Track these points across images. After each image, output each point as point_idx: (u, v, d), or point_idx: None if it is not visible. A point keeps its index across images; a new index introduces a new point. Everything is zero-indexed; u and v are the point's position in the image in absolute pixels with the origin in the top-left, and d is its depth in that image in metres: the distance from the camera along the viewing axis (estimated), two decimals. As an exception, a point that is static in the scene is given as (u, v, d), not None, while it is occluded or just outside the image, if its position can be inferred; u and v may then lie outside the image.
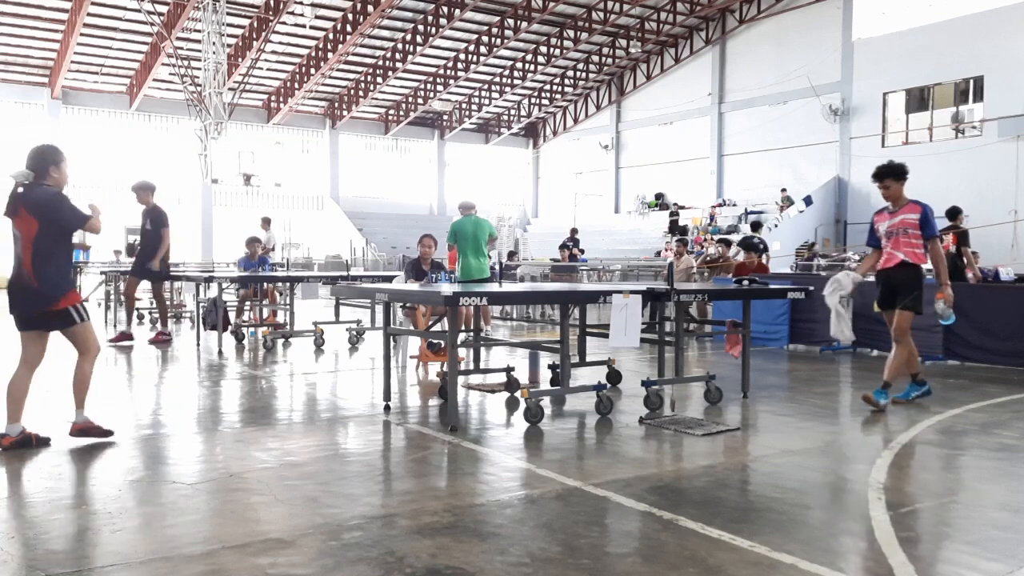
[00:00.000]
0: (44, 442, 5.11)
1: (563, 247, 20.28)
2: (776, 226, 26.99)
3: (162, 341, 10.78)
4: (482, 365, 8.35)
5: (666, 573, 3.16)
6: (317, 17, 27.98)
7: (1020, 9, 23.61)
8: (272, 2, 27.25)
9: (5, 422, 5.10)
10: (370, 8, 27.45)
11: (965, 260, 11.64)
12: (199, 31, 26.70)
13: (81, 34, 27.20)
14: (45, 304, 5.07)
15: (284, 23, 28.02)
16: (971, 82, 25.33)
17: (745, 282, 7.50)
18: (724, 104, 32.63)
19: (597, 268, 22.47)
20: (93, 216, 5.24)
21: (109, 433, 5.30)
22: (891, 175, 6.64)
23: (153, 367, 9.16)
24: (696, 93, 33.41)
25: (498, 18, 30.61)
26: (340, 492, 4.21)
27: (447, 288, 6.25)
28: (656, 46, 34.47)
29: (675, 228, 29.15)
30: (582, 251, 21.82)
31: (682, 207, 33.11)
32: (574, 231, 22.51)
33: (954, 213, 12.15)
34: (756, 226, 19.73)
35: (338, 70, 32.48)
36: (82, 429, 5.24)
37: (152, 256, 10.68)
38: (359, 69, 33.44)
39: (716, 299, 10.21)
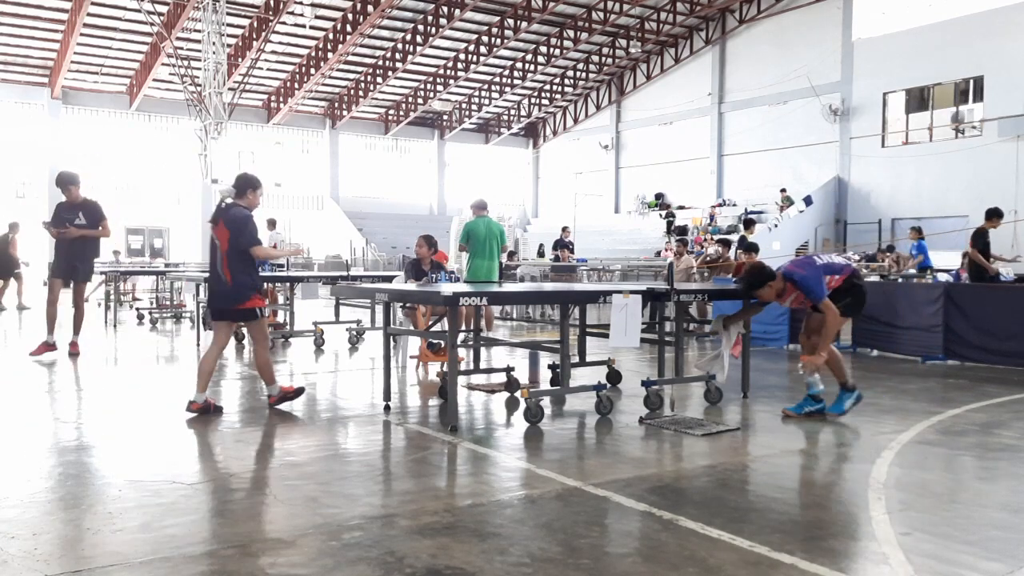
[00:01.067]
0: (219, 410, 6.21)
1: (562, 246, 20.23)
2: (776, 226, 26.99)
3: (75, 353, 9.46)
4: (482, 365, 8.34)
5: (666, 573, 3.16)
6: (317, 17, 27.98)
7: (1020, 9, 23.60)
8: (272, 2, 27.24)
9: (195, 391, 6.13)
10: (370, 8, 27.45)
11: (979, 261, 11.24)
12: (199, 31, 26.69)
13: (81, 34, 27.20)
14: (235, 303, 6.22)
15: (284, 23, 28.02)
16: (971, 82, 25.32)
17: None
18: (724, 104, 32.63)
19: (597, 268, 22.46)
20: (260, 243, 6.32)
21: (300, 391, 6.55)
22: (754, 287, 6.15)
23: (153, 367, 9.16)
24: (696, 93, 33.41)
25: (498, 18, 30.60)
26: (340, 492, 4.21)
27: (447, 288, 6.25)
28: (656, 46, 34.47)
29: (671, 229, 29.02)
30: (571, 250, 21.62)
31: (681, 207, 33.11)
32: (565, 230, 22.10)
33: (988, 215, 11.54)
34: (749, 223, 19.79)
35: (338, 70, 32.48)
36: (280, 398, 6.42)
37: (95, 254, 9.81)
38: (359, 69, 33.44)
39: (716, 299, 10.20)
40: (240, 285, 6.18)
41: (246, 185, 6.41)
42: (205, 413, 6.08)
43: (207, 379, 6.15)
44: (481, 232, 10.03)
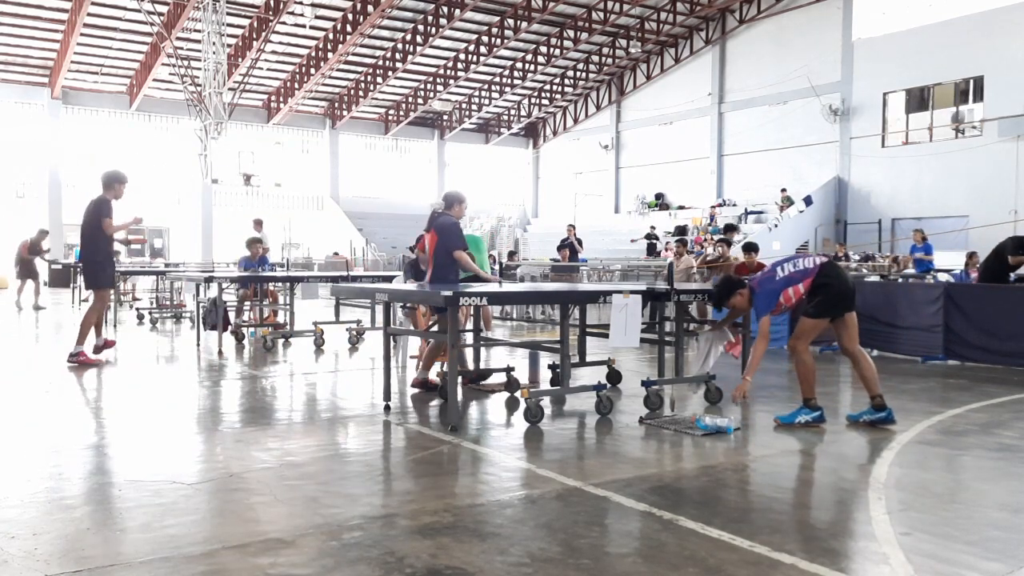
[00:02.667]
0: (436, 387, 7.01)
1: (565, 246, 20.18)
2: (776, 226, 26.99)
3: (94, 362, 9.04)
4: (482, 365, 8.33)
5: (666, 573, 3.16)
6: (317, 17, 27.98)
7: (1020, 9, 23.59)
8: (272, 2, 27.24)
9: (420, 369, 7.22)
10: (370, 8, 27.45)
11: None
12: (199, 31, 26.69)
13: (81, 34, 27.20)
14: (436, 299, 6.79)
15: (284, 23, 28.01)
16: (971, 82, 25.31)
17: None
18: (724, 104, 32.62)
19: (597, 268, 22.45)
20: (462, 248, 7.39)
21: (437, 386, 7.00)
22: (723, 298, 6.18)
23: (153, 367, 9.16)
24: (696, 93, 33.40)
25: (498, 18, 30.60)
26: (340, 492, 4.21)
27: (447, 288, 6.25)
28: (656, 46, 34.46)
29: (653, 250, 28.50)
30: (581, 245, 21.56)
31: (681, 207, 33.11)
32: (571, 228, 22.00)
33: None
34: (730, 228, 19.89)
35: (338, 70, 32.48)
36: (421, 383, 7.19)
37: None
38: (359, 69, 33.44)
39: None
40: (439, 286, 6.94)
41: (453, 200, 7.50)
42: (431, 390, 7.07)
43: (429, 363, 7.32)
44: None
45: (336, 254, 28.06)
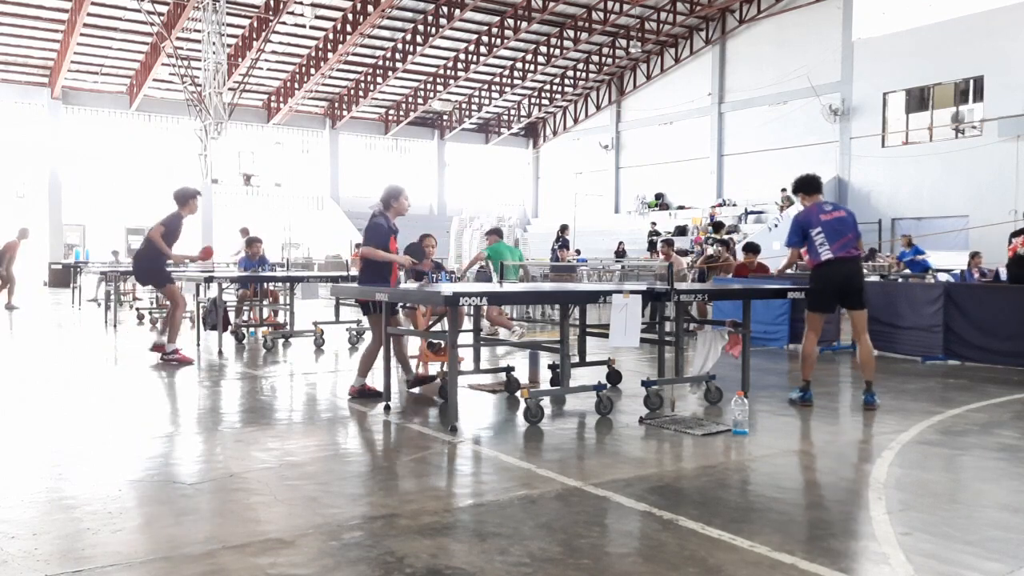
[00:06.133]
0: (378, 393, 6.73)
1: (563, 247, 20.21)
2: (776, 226, 26.97)
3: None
4: (482, 365, 8.33)
5: (666, 573, 3.16)
6: (317, 17, 27.97)
7: (1020, 9, 23.59)
8: (272, 2, 27.24)
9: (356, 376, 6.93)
10: (370, 8, 27.45)
11: None
12: (199, 31, 26.68)
13: (81, 34, 27.19)
14: (360, 296, 6.82)
15: (284, 23, 28.01)
16: (971, 82, 25.31)
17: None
18: (724, 104, 32.62)
19: (597, 268, 22.44)
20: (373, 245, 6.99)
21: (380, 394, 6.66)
22: (798, 189, 6.87)
23: (153, 367, 9.15)
24: (696, 93, 33.40)
25: (498, 18, 30.60)
26: (340, 492, 4.21)
27: (447, 288, 6.25)
28: (656, 46, 34.46)
29: (653, 246, 28.57)
30: (578, 251, 21.65)
31: (681, 207, 33.11)
32: (564, 228, 21.88)
33: None
34: (718, 227, 19.98)
35: (338, 70, 32.46)
36: (359, 391, 6.86)
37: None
38: (359, 69, 33.43)
39: (716, 299, 10.21)
40: (365, 284, 6.95)
41: (388, 196, 7.21)
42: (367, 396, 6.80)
43: (403, 364, 7.34)
44: (505, 256, 11.56)
45: (358, 247, 27.93)
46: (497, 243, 12.14)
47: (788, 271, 7.71)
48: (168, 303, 9.80)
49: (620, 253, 27.43)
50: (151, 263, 9.41)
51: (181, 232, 9.50)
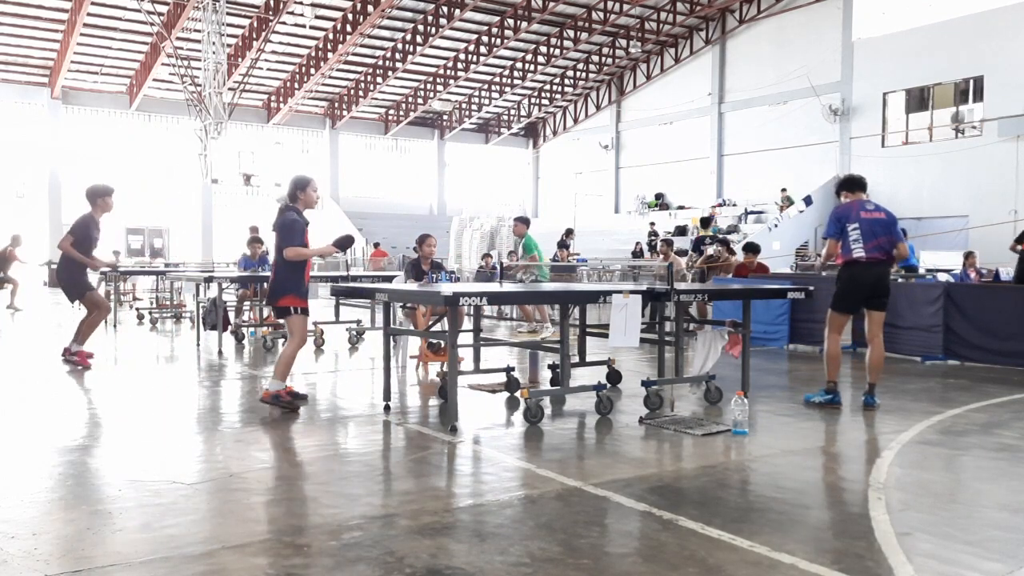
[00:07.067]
0: (304, 397, 6.51)
1: (563, 247, 20.20)
2: (776, 226, 26.98)
3: None
4: (482, 365, 8.33)
5: (666, 573, 3.16)
6: (317, 17, 27.96)
7: (1020, 9, 23.58)
8: (272, 2, 27.23)
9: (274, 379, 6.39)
10: (370, 8, 27.44)
11: None
12: (199, 31, 26.68)
13: (81, 34, 27.17)
14: (274, 299, 6.51)
15: (284, 23, 28.00)
16: (971, 82, 25.30)
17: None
18: (724, 104, 32.61)
19: (597, 268, 22.43)
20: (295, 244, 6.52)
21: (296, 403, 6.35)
22: (842, 188, 7.04)
23: (153, 367, 9.15)
24: (696, 93, 33.39)
25: (498, 18, 30.59)
26: (340, 492, 4.21)
27: (447, 288, 6.25)
28: (656, 46, 34.45)
29: (652, 246, 28.63)
30: (577, 253, 21.68)
31: (681, 207, 33.09)
32: (569, 232, 21.97)
33: None
34: (706, 223, 19.96)
35: (338, 70, 32.46)
36: (273, 397, 6.31)
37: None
38: (359, 69, 33.43)
39: (716, 299, 10.21)
40: (277, 283, 6.54)
41: (295, 187, 6.69)
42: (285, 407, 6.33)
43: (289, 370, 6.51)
44: (534, 249, 12.65)
45: (377, 246, 27.87)
46: (527, 234, 12.97)
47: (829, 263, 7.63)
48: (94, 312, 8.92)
49: (637, 253, 27.39)
50: (69, 276, 8.80)
51: (99, 234, 8.87)
